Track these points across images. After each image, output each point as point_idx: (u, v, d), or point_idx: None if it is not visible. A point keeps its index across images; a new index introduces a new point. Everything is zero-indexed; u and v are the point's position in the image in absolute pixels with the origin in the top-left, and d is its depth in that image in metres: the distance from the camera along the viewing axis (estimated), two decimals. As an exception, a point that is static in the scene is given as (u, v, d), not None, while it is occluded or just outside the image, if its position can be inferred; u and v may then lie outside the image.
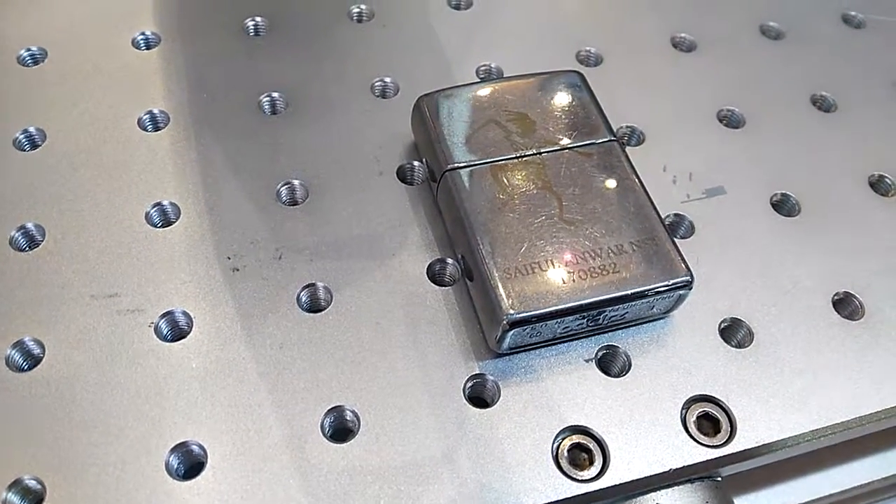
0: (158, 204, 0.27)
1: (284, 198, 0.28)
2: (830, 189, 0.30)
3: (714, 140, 0.31)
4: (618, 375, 0.25)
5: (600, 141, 0.27)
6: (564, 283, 0.24)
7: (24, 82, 0.31)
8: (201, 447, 0.22)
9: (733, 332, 0.26)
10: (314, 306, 0.26)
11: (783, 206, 0.30)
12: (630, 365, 0.25)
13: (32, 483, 0.22)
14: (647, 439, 0.23)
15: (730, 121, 0.32)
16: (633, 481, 0.23)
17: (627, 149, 0.30)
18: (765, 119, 0.32)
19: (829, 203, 0.30)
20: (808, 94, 0.33)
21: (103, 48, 0.32)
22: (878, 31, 0.37)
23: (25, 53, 0.32)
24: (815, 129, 0.32)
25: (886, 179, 0.31)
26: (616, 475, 0.23)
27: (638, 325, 0.25)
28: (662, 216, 0.26)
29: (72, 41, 0.32)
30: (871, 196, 0.30)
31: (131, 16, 0.33)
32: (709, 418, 0.24)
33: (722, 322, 0.26)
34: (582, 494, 0.22)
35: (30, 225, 0.27)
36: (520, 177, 0.26)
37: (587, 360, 0.25)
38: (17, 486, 0.21)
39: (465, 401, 0.24)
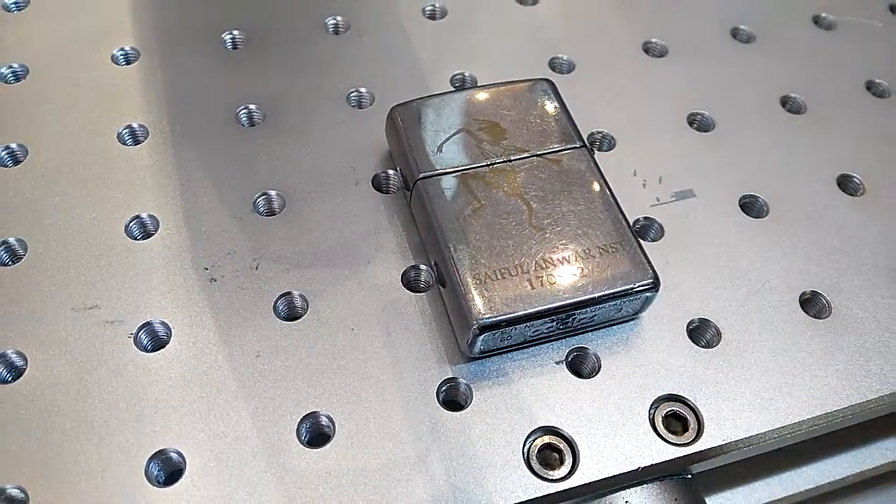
0: (137, 217, 0.28)
1: (261, 208, 0.29)
2: (799, 190, 0.31)
3: (684, 144, 0.32)
4: (588, 376, 0.25)
5: (569, 147, 0.28)
6: (534, 287, 0.24)
7: (5, 99, 0.31)
8: (180, 454, 0.23)
9: (701, 333, 0.27)
10: (291, 314, 0.26)
11: (752, 207, 0.30)
12: (600, 366, 0.25)
13: (16, 492, 0.22)
14: (616, 438, 0.24)
15: (700, 124, 0.33)
16: (602, 480, 0.23)
17: (599, 154, 0.31)
18: (735, 122, 0.33)
19: (798, 204, 0.30)
20: (779, 97, 0.34)
21: (83, 64, 0.33)
22: (848, 33, 0.38)
23: (7, 71, 0.32)
24: (785, 131, 0.33)
25: (854, 179, 0.31)
26: (586, 474, 0.23)
27: (607, 326, 0.26)
28: (632, 220, 0.27)
29: (52, 58, 0.33)
30: (840, 196, 0.31)
31: (110, 32, 0.34)
32: (677, 417, 0.25)
33: (690, 323, 0.27)
34: (552, 494, 0.23)
35: (11, 240, 0.27)
36: (490, 184, 0.27)
37: (558, 362, 0.25)
38: (0, 495, 0.22)
39: (438, 404, 0.24)
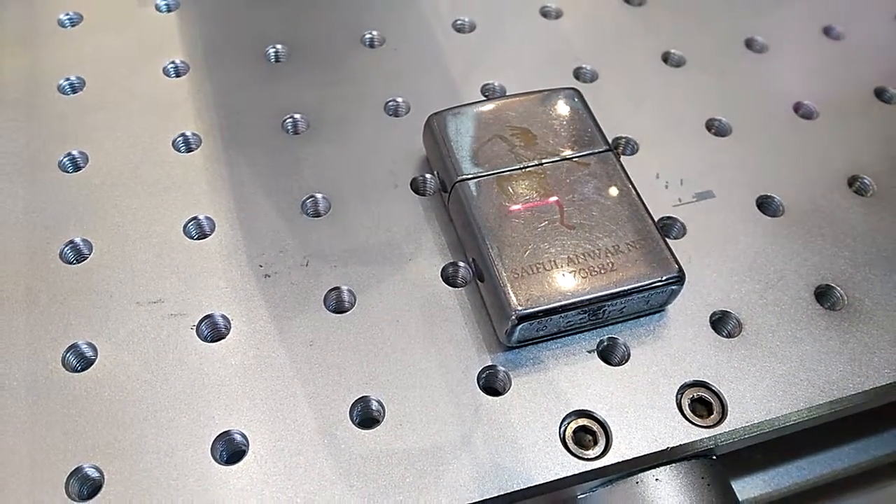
0: (194, 218, 0.30)
1: (309, 210, 0.31)
2: (812, 190, 0.32)
3: (703, 148, 0.34)
4: (618, 364, 0.27)
5: (596, 151, 0.30)
6: (567, 281, 0.26)
7: (64, 109, 0.34)
8: (243, 435, 0.25)
9: (724, 324, 0.28)
10: (339, 307, 0.28)
11: (768, 207, 0.32)
12: (629, 355, 0.27)
13: (92, 471, 0.24)
14: (645, 421, 0.26)
15: (718, 130, 0.35)
16: (633, 459, 0.25)
17: (622, 158, 0.33)
18: (750, 127, 0.35)
19: (811, 203, 0.32)
20: (791, 103, 0.36)
21: (136, 77, 0.35)
22: (857, 43, 0.39)
23: (65, 83, 0.34)
24: (798, 135, 0.35)
25: (864, 180, 0.33)
26: (618, 454, 0.25)
27: (636, 318, 0.28)
28: (655, 219, 0.29)
29: (107, 71, 0.35)
30: (850, 196, 0.32)
31: (160, 46, 0.36)
32: (702, 401, 0.26)
33: (713, 314, 0.28)
34: (587, 471, 0.24)
35: (78, 240, 0.29)
36: (524, 186, 0.28)
37: (590, 351, 0.27)
38: (77, 473, 0.24)
39: (479, 390, 0.26)
